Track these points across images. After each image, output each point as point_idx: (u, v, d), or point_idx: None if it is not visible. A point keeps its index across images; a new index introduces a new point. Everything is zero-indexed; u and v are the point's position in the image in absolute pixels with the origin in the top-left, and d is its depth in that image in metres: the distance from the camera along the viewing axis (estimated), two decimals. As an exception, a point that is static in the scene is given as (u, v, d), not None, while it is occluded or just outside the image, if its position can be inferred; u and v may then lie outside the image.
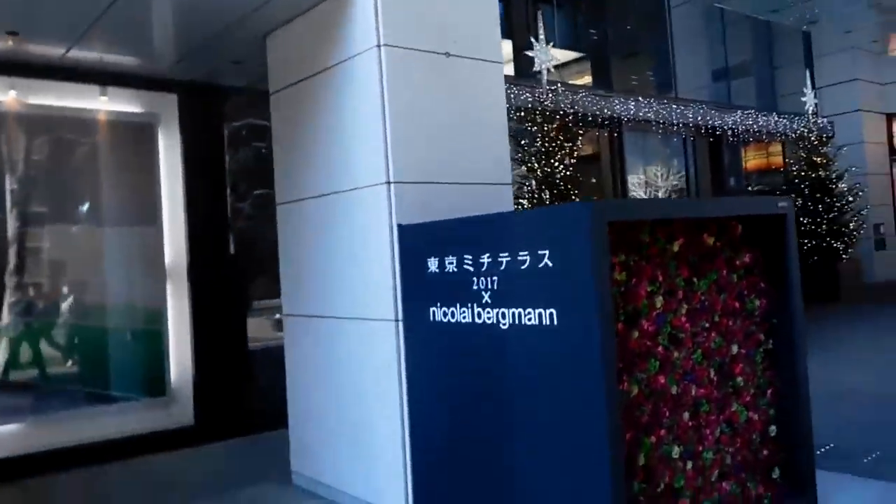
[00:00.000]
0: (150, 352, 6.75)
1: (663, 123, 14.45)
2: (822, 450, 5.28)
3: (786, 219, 4.36)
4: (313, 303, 5.14)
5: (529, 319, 3.55)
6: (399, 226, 4.36)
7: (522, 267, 3.57)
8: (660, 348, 3.77)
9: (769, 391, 4.40)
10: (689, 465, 3.86)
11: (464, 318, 3.92)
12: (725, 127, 15.88)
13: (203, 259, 6.86)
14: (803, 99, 16.10)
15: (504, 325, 3.70)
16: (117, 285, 6.68)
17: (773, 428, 4.39)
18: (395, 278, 4.39)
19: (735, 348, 4.21)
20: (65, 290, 6.54)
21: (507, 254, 3.65)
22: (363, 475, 4.70)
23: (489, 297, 3.77)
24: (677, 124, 14.69)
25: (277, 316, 10.72)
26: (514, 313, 3.64)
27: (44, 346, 6.49)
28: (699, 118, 15.25)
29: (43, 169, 6.49)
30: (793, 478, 4.38)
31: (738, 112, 16.15)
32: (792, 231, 4.38)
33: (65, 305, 6.51)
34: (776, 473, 4.38)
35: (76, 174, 6.63)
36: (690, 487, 3.84)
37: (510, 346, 3.67)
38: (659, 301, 3.78)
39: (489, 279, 3.76)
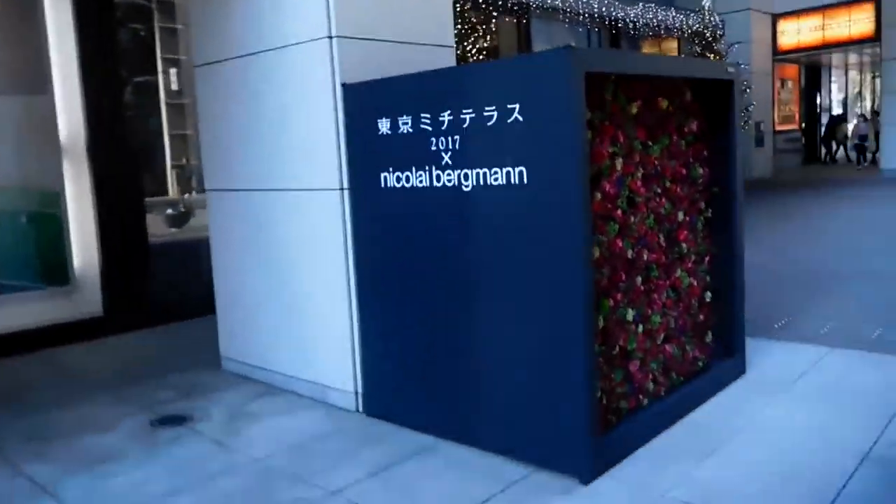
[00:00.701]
0: (48, 237, 6.14)
1: (569, 12, 14.27)
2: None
3: (732, 85, 4.36)
4: (242, 175, 4.77)
5: (496, 179, 3.40)
6: (343, 85, 4.03)
7: (489, 123, 3.38)
8: (619, 212, 3.73)
9: (706, 258, 4.52)
10: (640, 328, 3.92)
11: (420, 182, 3.72)
12: (627, 20, 15.90)
13: (104, 135, 6.19)
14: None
15: (466, 186, 3.53)
16: (2, 162, 5.95)
17: (708, 294, 4.53)
18: (339, 143, 4.09)
19: (681, 215, 4.25)
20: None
21: (470, 110, 3.44)
22: (305, 355, 4.52)
23: (450, 157, 3.57)
24: (583, 14, 14.56)
25: (169, 211, 10.14)
26: (478, 174, 3.47)
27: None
28: (603, 9, 15.14)
29: None
30: (724, 341, 4.57)
31: (640, 5, 16.18)
32: (736, 99, 4.40)
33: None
34: (709, 337, 4.56)
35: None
36: (641, 350, 3.91)
37: (474, 209, 3.51)
38: (619, 163, 3.71)
39: (450, 139, 3.55)
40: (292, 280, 4.51)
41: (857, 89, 30.10)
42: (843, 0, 19.04)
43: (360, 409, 4.24)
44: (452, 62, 4.70)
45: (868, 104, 29.78)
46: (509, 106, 3.28)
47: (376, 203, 3.97)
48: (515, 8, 13.05)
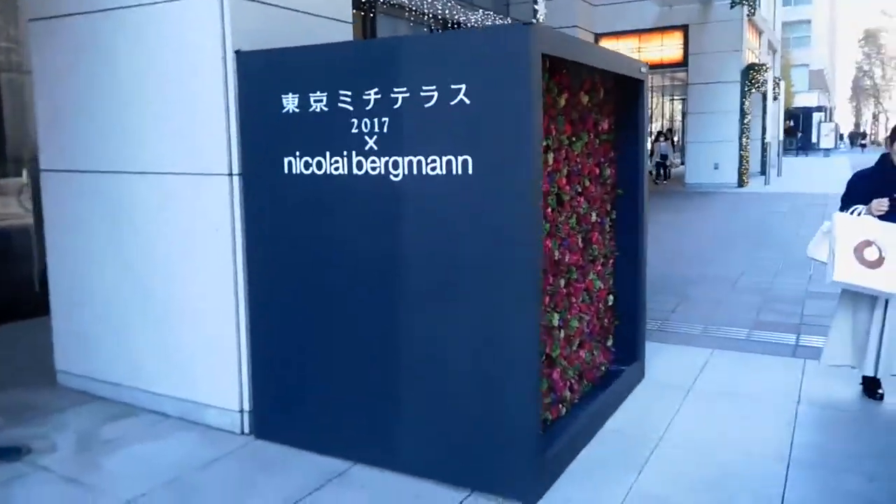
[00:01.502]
0: None
1: (415, 12, 14.16)
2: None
3: (642, 85, 4.29)
4: (95, 154, 3.96)
5: (433, 169, 3.00)
6: (238, 52, 3.44)
7: (427, 105, 2.98)
8: (549, 210, 3.49)
9: (611, 261, 4.41)
10: (562, 333, 3.71)
11: (336, 169, 3.23)
12: (468, 24, 16.03)
13: None
14: (535, 7, 16.80)
15: (396, 176, 3.10)
16: None
17: (610, 297, 4.43)
18: (228, 120, 3.49)
19: (594, 215, 4.10)
20: None
21: (404, 89, 3.02)
22: (175, 369, 3.83)
23: (375, 142, 3.13)
24: (427, 14, 14.49)
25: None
26: (410, 162, 3.05)
27: None
28: (447, 12, 15.18)
29: None
30: (628, 345, 4.48)
31: (480, 11, 16.38)
32: (644, 99, 4.33)
33: None
34: (610, 342, 4.46)
35: None
36: (562, 356, 3.70)
37: (404, 201, 3.09)
38: (550, 158, 3.48)
39: (376, 120, 3.11)
40: (160, 280, 3.81)
41: (654, 110, 32.75)
42: (656, 27, 20.52)
43: (247, 430, 3.65)
44: (350, 38, 4.24)
45: (665, 125, 32.50)
46: (454, 86, 2.91)
47: (278, 192, 3.41)
48: (363, 2, 12.66)
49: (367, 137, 3.13)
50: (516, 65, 2.77)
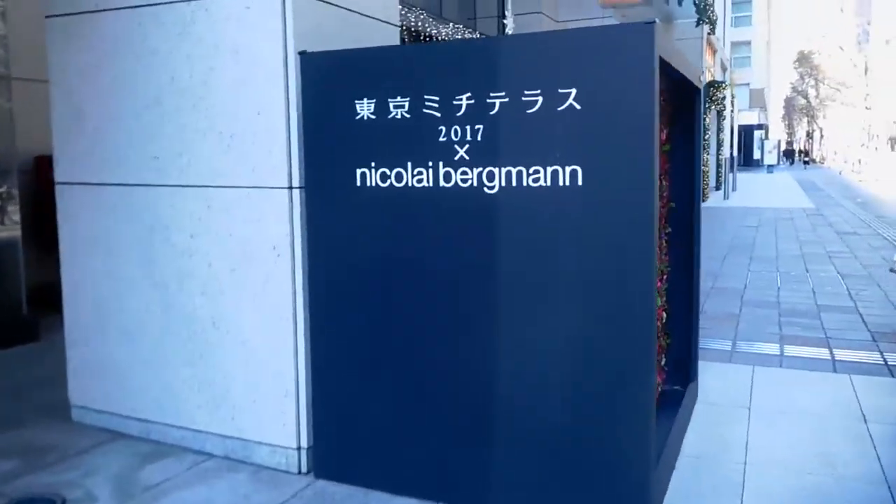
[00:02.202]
0: None
1: (390, 24, 13.87)
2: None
3: (699, 93, 4.15)
4: (125, 165, 3.58)
5: (535, 180, 2.76)
6: (303, 54, 3.14)
7: (529, 111, 2.74)
8: (632, 224, 3.28)
9: (664, 277, 4.24)
10: (638, 354, 3.50)
11: (420, 181, 2.96)
12: (440, 37, 15.86)
13: None
14: (505, 21, 16.78)
15: (491, 188, 2.84)
16: None
17: (664, 315, 4.26)
18: (289, 127, 3.19)
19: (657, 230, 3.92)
20: None
21: (503, 93, 2.78)
22: (219, 403, 3.46)
23: (466, 151, 2.87)
24: (401, 27, 14.23)
25: None
26: (509, 173, 2.81)
27: None
28: (420, 24, 14.99)
29: None
30: (683, 365, 4.30)
31: (451, 25, 16.25)
32: (700, 107, 4.19)
33: None
34: (663, 360, 4.28)
35: None
36: (639, 378, 3.49)
37: (500, 215, 2.84)
38: (634, 169, 3.27)
39: (468, 128, 2.85)
40: (202, 304, 3.45)
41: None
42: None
43: (304, 469, 3.32)
44: (397, 42, 4.00)
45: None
46: (561, 90, 2.68)
47: (348, 206, 3.11)
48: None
49: (457, 146, 2.87)
50: (639, 68, 2.56)
